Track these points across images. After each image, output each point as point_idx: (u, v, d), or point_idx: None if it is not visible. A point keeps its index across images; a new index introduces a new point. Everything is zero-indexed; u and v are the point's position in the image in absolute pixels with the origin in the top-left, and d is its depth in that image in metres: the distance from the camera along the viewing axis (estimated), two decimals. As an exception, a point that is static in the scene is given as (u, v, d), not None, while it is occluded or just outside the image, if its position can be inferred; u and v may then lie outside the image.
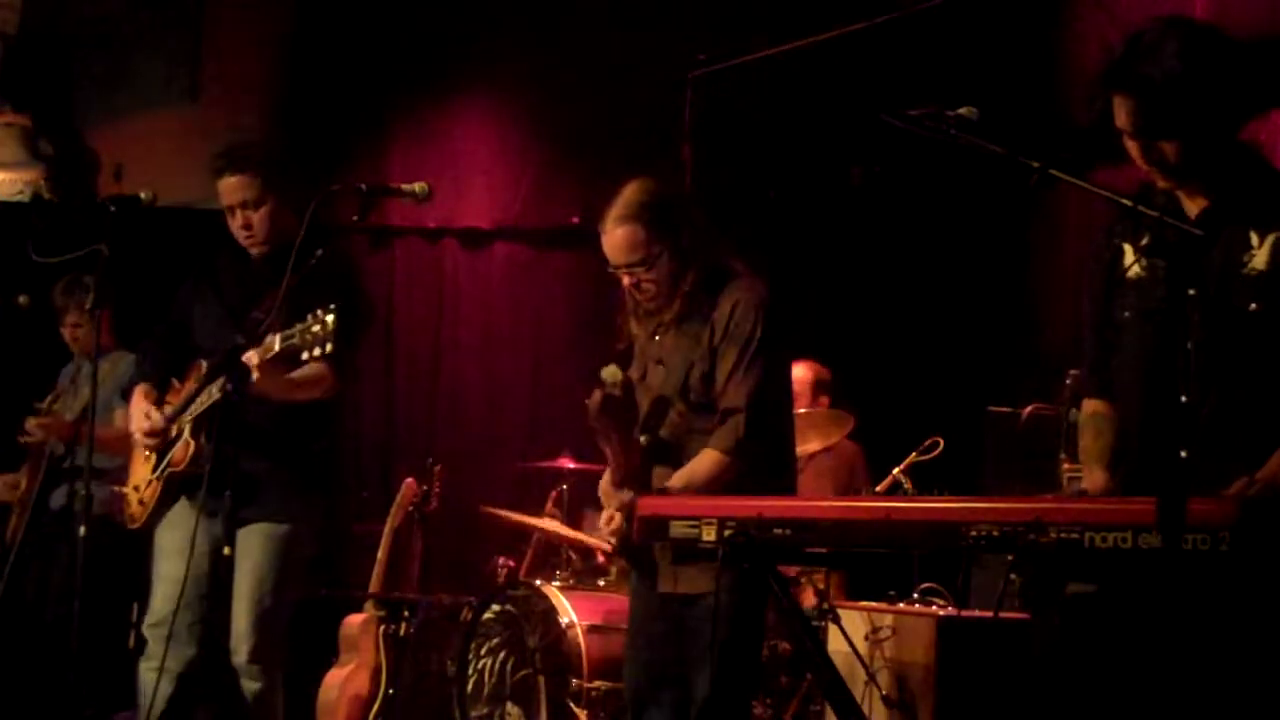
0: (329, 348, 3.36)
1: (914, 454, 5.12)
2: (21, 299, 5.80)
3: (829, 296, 6.63)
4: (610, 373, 3.56)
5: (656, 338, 3.68)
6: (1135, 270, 2.98)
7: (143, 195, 4.15)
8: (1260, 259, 2.79)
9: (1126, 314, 2.98)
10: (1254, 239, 2.80)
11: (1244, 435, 2.77)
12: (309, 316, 3.39)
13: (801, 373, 5.81)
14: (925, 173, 5.62)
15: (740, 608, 3.47)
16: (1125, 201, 2.60)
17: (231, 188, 4.11)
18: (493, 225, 7.40)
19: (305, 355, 3.42)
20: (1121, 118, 2.84)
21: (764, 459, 3.56)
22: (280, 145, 4.66)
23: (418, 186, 3.67)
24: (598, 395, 3.53)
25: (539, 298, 7.28)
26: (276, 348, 3.49)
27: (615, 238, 3.59)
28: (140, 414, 4.12)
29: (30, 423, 5.65)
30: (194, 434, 4.01)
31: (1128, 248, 3.00)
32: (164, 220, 4.82)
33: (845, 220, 6.54)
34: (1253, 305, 2.77)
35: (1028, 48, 5.82)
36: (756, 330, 3.54)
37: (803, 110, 6.58)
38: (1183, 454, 2.77)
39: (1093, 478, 3.00)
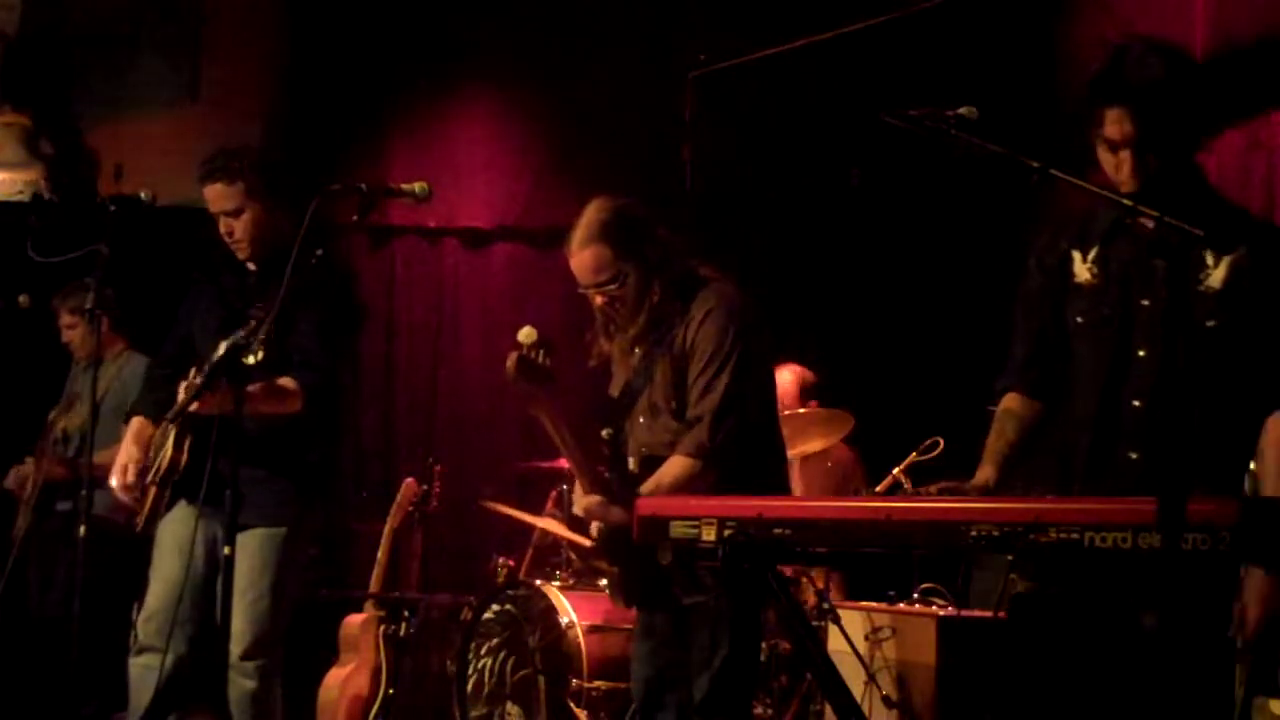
0: (260, 354, 3.39)
1: (914, 454, 5.12)
2: (22, 299, 5.80)
3: (828, 296, 6.63)
4: (526, 333, 3.53)
5: (636, 350, 3.69)
6: (1085, 277, 3.06)
7: (143, 195, 4.16)
8: (1216, 278, 2.90)
9: (1078, 319, 3.06)
10: (1209, 259, 2.91)
11: (1196, 442, 2.82)
12: (250, 320, 3.42)
13: (786, 378, 5.82)
14: (925, 173, 5.62)
15: (738, 611, 3.48)
16: (1126, 201, 2.61)
17: (214, 195, 4.14)
18: (493, 225, 7.41)
19: (243, 358, 3.44)
20: (1115, 129, 2.91)
21: (751, 466, 3.56)
22: (270, 151, 4.65)
23: (418, 186, 3.68)
24: (513, 357, 3.48)
25: (539, 298, 7.28)
26: (221, 351, 3.50)
27: (582, 259, 3.62)
28: (119, 467, 4.07)
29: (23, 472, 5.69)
30: (177, 440, 4.01)
31: (1076, 254, 3.09)
32: (164, 220, 4.82)
33: (845, 220, 6.53)
34: (1210, 322, 2.88)
35: (1028, 48, 5.82)
36: (727, 337, 3.55)
37: (802, 110, 6.58)
38: (1133, 455, 2.86)
39: (981, 472, 3.09)
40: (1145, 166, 2.89)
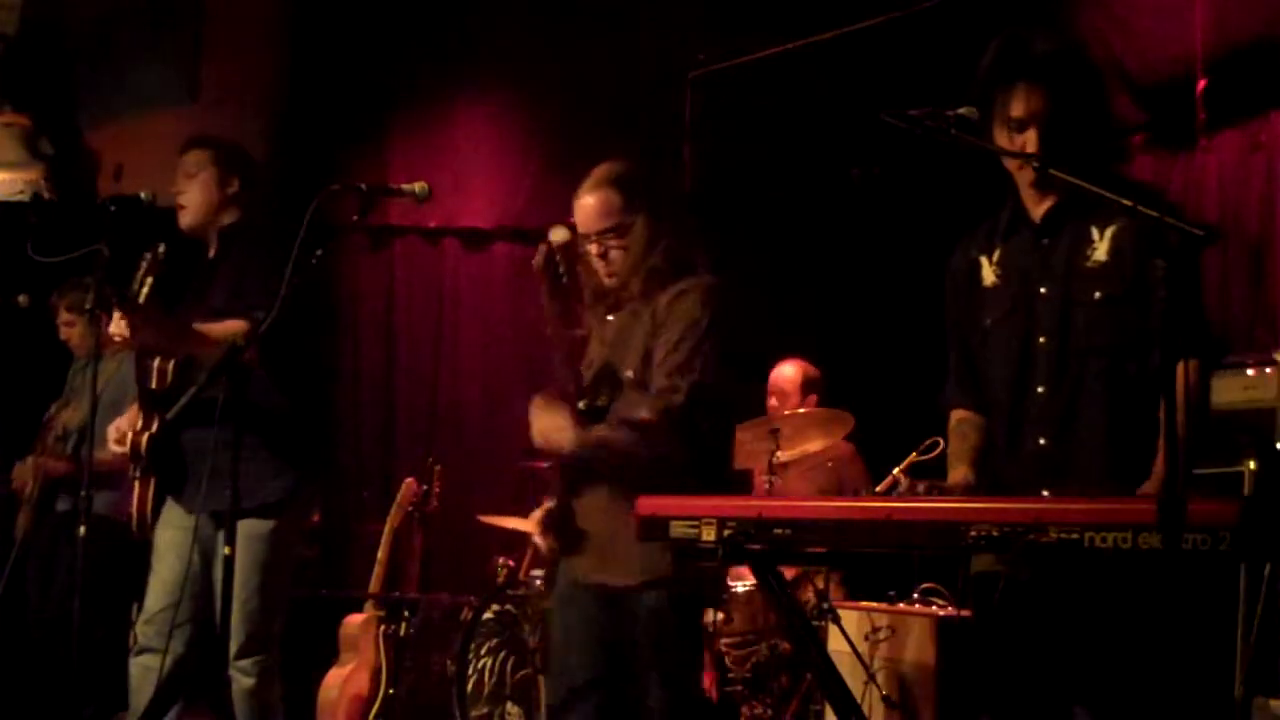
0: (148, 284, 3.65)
1: (914, 454, 5.12)
2: (21, 299, 5.80)
3: (829, 296, 6.62)
4: (559, 234, 3.53)
5: (610, 318, 3.61)
6: (991, 279, 3.14)
7: (143, 195, 4.16)
8: (1101, 251, 2.97)
9: (988, 321, 3.13)
10: (1094, 233, 2.98)
11: (1099, 422, 2.92)
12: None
13: (790, 372, 5.84)
14: (925, 173, 5.61)
15: (680, 605, 3.43)
16: (1125, 202, 2.61)
17: (184, 161, 4.24)
18: (493, 225, 7.41)
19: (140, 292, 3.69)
20: (1021, 107, 2.96)
21: (698, 451, 3.47)
22: (254, 154, 4.70)
23: (418, 186, 3.67)
24: (543, 249, 3.51)
25: (539, 298, 7.26)
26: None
27: (588, 203, 3.56)
28: (114, 427, 4.14)
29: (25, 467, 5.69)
30: (144, 421, 4.06)
31: (984, 259, 3.17)
32: (164, 220, 4.82)
33: (845, 220, 6.53)
34: (1096, 294, 2.94)
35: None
36: (703, 320, 3.47)
37: (803, 110, 6.58)
38: (1041, 441, 2.90)
39: (955, 473, 3.15)
40: (1055, 144, 2.93)
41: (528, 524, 3.73)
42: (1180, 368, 2.82)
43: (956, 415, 3.26)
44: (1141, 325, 2.88)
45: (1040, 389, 2.99)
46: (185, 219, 4.22)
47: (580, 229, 3.58)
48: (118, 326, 3.82)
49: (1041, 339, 3.00)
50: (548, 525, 3.60)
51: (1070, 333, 2.97)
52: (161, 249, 3.90)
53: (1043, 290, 3.02)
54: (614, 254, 3.56)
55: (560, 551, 3.62)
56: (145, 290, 3.75)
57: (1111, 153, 3.20)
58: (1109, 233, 2.96)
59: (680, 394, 3.41)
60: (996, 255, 3.13)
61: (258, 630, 4.02)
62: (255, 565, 3.98)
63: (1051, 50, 2.97)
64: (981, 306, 3.14)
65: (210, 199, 4.21)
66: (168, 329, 3.92)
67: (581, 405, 3.55)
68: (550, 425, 3.46)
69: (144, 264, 3.82)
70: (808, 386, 5.85)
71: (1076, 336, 2.97)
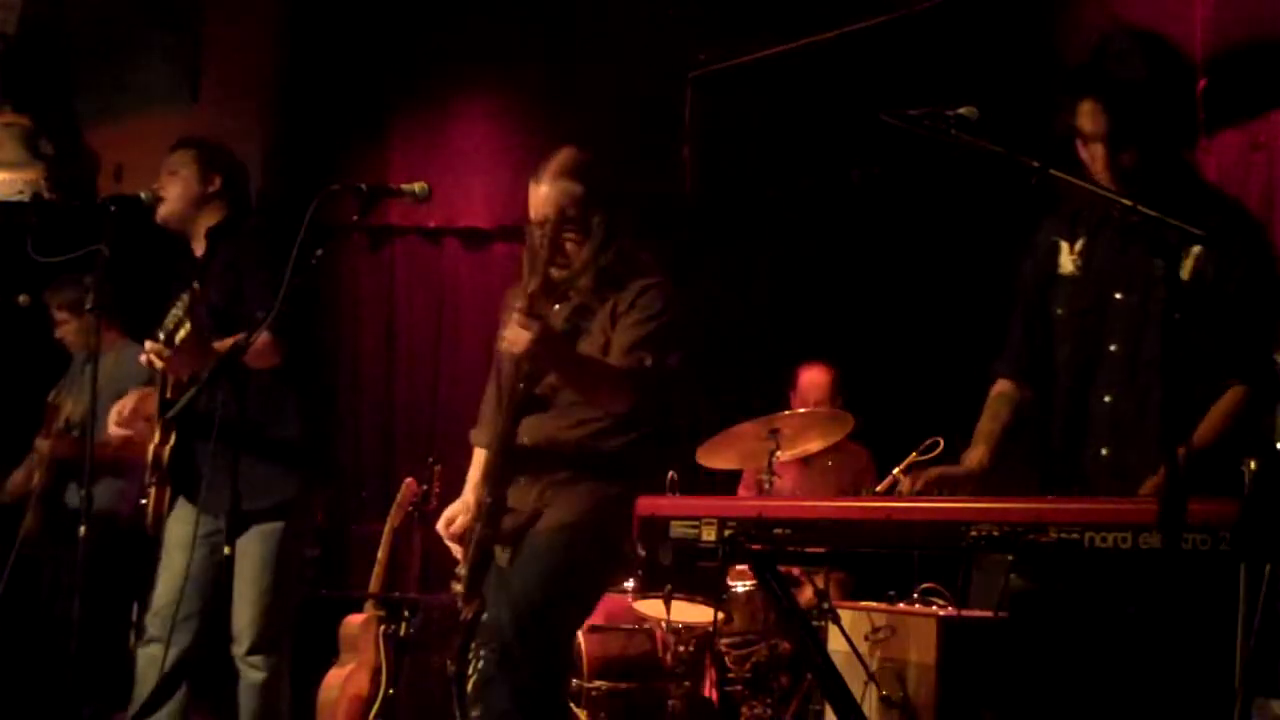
0: (186, 326, 3.63)
1: (914, 454, 5.12)
2: (21, 299, 5.80)
3: (829, 297, 6.62)
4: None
5: (555, 308, 3.58)
6: (1069, 268, 3.07)
7: (143, 195, 4.19)
8: (1185, 270, 2.88)
9: (1059, 311, 3.07)
10: (1180, 252, 2.87)
11: (1162, 435, 2.82)
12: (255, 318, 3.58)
13: (820, 378, 5.84)
14: (925, 173, 5.61)
15: (595, 531, 3.44)
16: (1125, 201, 2.61)
17: (167, 163, 4.29)
18: (493, 225, 7.40)
19: (175, 333, 3.68)
20: (1087, 122, 2.91)
21: (646, 439, 3.50)
22: (254, 154, 4.74)
23: (418, 186, 3.68)
24: (555, 221, 3.50)
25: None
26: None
27: (550, 192, 3.54)
28: (115, 410, 4.18)
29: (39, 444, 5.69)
30: (162, 434, 4.08)
31: (1064, 244, 3.10)
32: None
33: (845, 220, 6.53)
34: (1176, 314, 2.82)
35: (1027, 47, 5.81)
36: (665, 315, 3.47)
37: (802, 110, 6.58)
38: (1104, 452, 2.87)
39: (972, 453, 3.10)
40: (1118, 162, 2.90)
41: (439, 526, 3.67)
42: (1231, 392, 2.82)
43: (999, 386, 3.20)
44: (1208, 347, 2.83)
45: (1107, 398, 2.95)
46: (161, 209, 4.24)
47: (534, 216, 3.54)
48: (150, 357, 3.82)
49: (1113, 346, 2.96)
50: (479, 514, 3.54)
51: (1143, 344, 2.92)
52: (197, 286, 3.89)
53: (1118, 296, 2.97)
54: (568, 247, 3.54)
55: (491, 540, 3.58)
56: (183, 333, 3.73)
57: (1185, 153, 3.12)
58: (1194, 252, 2.89)
59: (647, 362, 3.40)
60: (1079, 245, 3.07)
61: (270, 627, 4.06)
62: (268, 564, 4.02)
63: (1128, 74, 2.88)
64: (1055, 293, 3.09)
65: (190, 194, 4.23)
66: (200, 359, 3.90)
67: (521, 387, 3.54)
68: (523, 322, 3.35)
69: (180, 303, 3.77)
70: (837, 388, 5.87)
71: (1149, 349, 2.91)
